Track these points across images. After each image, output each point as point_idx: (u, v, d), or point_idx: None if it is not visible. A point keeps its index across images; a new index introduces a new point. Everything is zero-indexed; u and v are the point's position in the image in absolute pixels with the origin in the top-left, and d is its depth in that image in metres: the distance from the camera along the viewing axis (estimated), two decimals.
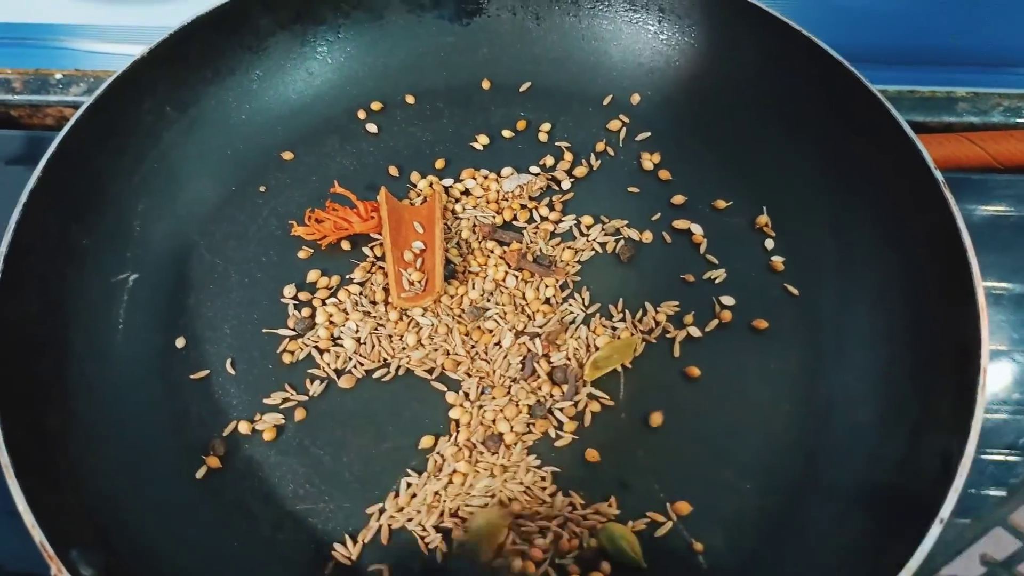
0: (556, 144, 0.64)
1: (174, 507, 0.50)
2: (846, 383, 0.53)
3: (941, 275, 0.51)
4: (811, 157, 0.60)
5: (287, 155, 0.62)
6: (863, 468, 0.49)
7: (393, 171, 0.62)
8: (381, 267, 0.58)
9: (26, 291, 0.50)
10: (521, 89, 0.66)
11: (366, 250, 0.59)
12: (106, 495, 0.48)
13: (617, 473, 0.52)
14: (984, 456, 0.56)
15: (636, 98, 0.66)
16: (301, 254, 0.59)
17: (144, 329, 0.55)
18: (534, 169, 0.63)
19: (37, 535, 0.42)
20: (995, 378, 0.58)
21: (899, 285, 0.54)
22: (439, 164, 0.63)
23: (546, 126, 0.65)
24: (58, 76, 0.72)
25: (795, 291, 0.57)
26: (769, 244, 0.60)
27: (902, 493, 0.46)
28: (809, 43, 0.58)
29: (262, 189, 0.61)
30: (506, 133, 0.65)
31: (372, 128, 0.64)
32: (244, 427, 0.53)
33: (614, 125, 0.65)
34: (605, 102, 0.66)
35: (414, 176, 0.62)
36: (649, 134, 0.64)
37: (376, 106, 0.65)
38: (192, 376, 0.54)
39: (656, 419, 0.53)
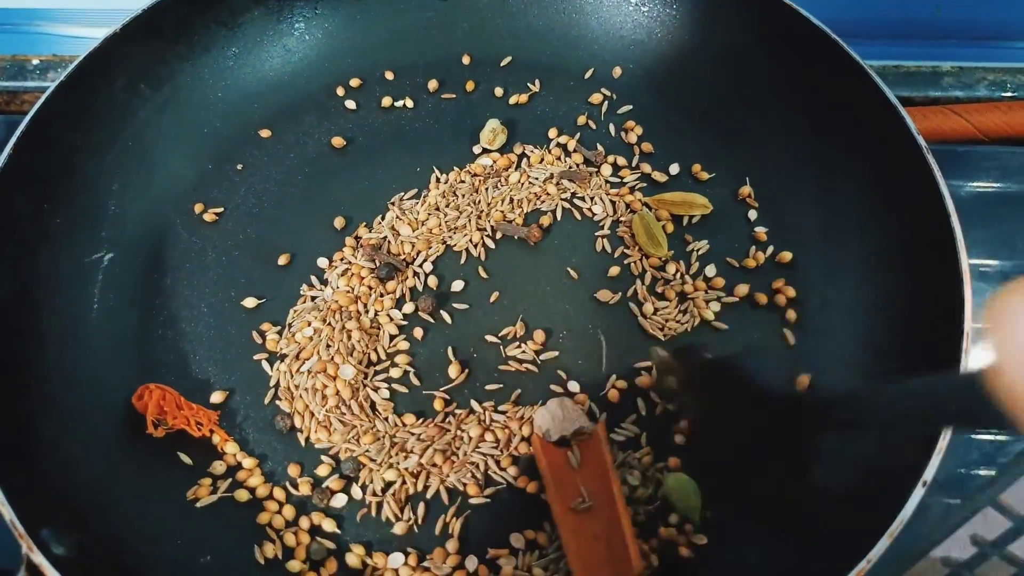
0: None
1: (152, 489, 0.49)
2: (830, 352, 0.52)
3: (925, 240, 0.50)
4: (794, 128, 0.59)
5: (264, 132, 0.61)
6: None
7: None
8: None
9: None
10: (502, 64, 0.65)
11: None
12: (82, 477, 0.47)
13: None
14: (973, 436, 0.54)
15: (618, 71, 0.64)
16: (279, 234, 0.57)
17: (120, 309, 0.53)
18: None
19: (7, 513, 0.41)
20: (983, 357, 0.57)
21: (883, 253, 0.53)
22: None
23: (526, 100, 0.63)
24: (35, 62, 0.70)
25: (779, 261, 0.56)
26: (752, 215, 0.58)
27: (885, 461, 0.45)
28: (792, 12, 0.57)
29: (239, 167, 0.60)
30: None
31: (351, 104, 0.62)
32: (217, 397, 0.52)
33: (595, 98, 0.63)
34: (586, 75, 0.64)
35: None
36: (631, 107, 0.63)
37: (355, 82, 0.63)
38: (169, 356, 0.53)
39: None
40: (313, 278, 0.56)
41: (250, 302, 0.55)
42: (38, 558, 0.41)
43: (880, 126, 0.53)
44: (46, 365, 0.49)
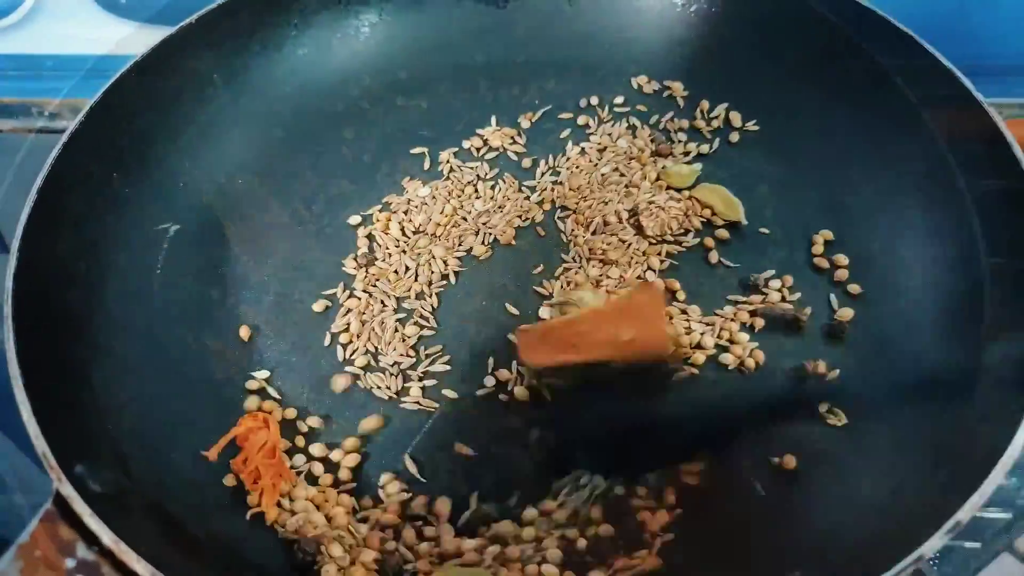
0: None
1: (199, 443, 0.45)
2: (900, 313, 0.46)
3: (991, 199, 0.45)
4: (845, 129, 0.55)
5: (331, 124, 0.59)
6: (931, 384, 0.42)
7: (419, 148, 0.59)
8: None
9: (61, 227, 0.46)
10: (559, 67, 0.62)
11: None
12: (128, 426, 0.44)
13: None
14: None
15: (665, 73, 0.61)
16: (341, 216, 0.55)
17: (182, 276, 0.51)
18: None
19: (40, 445, 0.38)
20: None
21: (946, 215, 0.48)
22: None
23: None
24: None
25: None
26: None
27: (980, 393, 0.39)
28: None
29: (306, 156, 0.57)
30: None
31: (411, 100, 0.61)
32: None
33: (645, 101, 0.60)
34: (637, 78, 0.61)
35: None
36: (672, 113, 0.59)
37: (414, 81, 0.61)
38: (227, 322, 0.50)
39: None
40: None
41: (310, 280, 0.52)
42: (67, 489, 0.37)
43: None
44: (104, 317, 0.46)
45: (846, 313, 0.47)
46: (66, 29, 0.74)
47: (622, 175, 0.55)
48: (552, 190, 0.55)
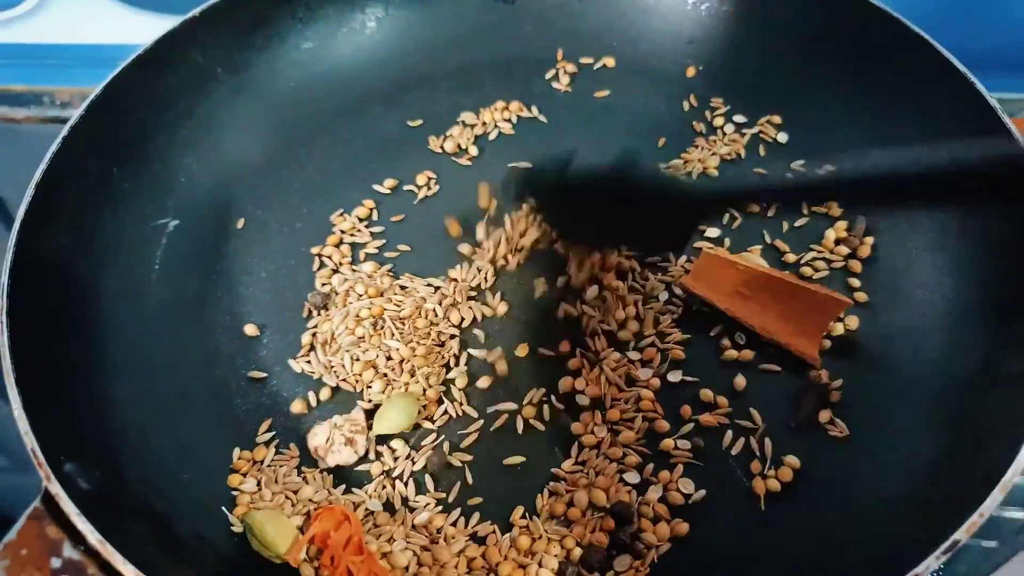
0: None
1: (194, 447, 0.44)
2: (909, 321, 0.44)
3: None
4: (867, 118, 0.52)
5: (335, 120, 0.57)
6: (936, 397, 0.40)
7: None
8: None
9: (58, 222, 0.45)
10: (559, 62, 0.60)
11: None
12: (122, 424, 0.43)
13: None
14: None
15: (691, 71, 0.59)
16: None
17: (180, 272, 0.50)
18: None
19: (29, 442, 0.37)
20: None
21: (958, 224, 0.46)
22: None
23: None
24: None
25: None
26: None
27: (985, 409, 0.37)
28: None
29: (307, 150, 0.56)
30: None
31: (416, 98, 0.59)
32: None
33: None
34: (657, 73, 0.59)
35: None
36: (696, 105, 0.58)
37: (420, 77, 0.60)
38: (225, 319, 0.49)
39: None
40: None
41: (308, 273, 0.51)
42: (55, 487, 0.36)
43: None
44: (100, 315, 0.45)
45: (852, 322, 0.45)
46: (76, 18, 0.73)
47: None
48: None
